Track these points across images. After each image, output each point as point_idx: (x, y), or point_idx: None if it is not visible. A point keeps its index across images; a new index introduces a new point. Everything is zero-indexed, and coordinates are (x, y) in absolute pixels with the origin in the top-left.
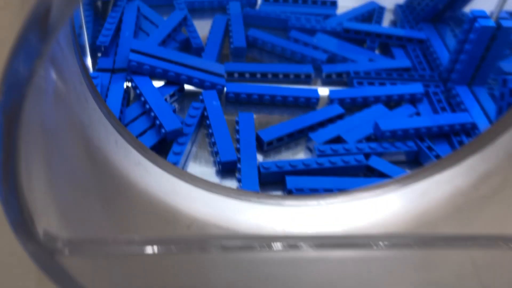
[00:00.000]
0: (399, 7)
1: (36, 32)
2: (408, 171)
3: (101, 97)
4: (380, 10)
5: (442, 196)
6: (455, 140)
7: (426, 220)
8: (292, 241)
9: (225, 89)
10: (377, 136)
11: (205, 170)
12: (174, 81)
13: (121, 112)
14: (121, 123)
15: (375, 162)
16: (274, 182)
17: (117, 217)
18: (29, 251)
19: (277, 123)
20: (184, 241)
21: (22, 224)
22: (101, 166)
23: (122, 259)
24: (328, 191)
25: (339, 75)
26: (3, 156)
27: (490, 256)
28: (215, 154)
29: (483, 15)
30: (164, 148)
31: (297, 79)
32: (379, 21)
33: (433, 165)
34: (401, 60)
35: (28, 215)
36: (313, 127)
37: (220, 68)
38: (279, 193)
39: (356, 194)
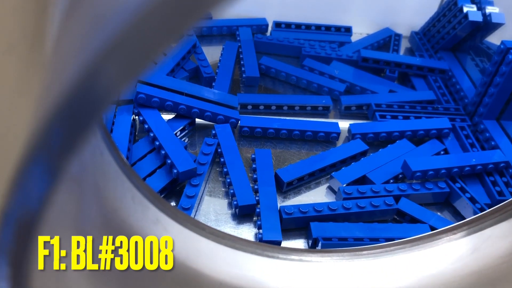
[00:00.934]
0: (415, 34)
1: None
2: (439, 214)
3: (116, 146)
4: (397, 37)
5: (496, 254)
6: (488, 180)
7: (478, 282)
8: None
9: (239, 122)
10: (406, 176)
11: (220, 213)
12: (185, 115)
13: (128, 149)
14: (129, 162)
15: (406, 206)
16: (297, 228)
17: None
18: None
19: (294, 159)
20: None
21: None
22: (117, 231)
23: None
24: (359, 240)
25: (359, 107)
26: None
27: None
28: (231, 195)
29: None
30: (175, 188)
31: (314, 111)
32: (397, 49)
33: (482, 217)
34: (425, 93)
35: None
36: (335, 165)
37: (233, 100)
38: (302, 240)
39: (394, 248)
